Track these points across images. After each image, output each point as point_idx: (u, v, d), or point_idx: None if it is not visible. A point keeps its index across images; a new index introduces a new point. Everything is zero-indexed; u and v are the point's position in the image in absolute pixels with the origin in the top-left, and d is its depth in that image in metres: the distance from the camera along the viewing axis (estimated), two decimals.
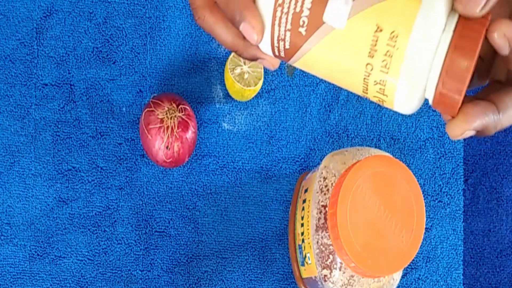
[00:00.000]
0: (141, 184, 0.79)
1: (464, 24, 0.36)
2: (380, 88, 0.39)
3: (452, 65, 0.37)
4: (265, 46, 0.42)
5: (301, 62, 0.42)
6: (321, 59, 0.40)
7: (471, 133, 0.39)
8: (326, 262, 0.63)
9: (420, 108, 0.83)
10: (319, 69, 0.41)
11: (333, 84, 0.82)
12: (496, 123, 0.39)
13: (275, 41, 0.41)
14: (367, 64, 0.38)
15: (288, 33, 0.40)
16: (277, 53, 0.42)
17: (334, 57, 0.39)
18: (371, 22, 0.37)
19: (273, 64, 0.43)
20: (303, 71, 0.82)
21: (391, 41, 0.37)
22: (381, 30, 0.37)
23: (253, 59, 0.43)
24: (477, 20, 0.36)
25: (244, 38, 0.41)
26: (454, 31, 0.37)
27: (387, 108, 0.82)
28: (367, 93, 0.40)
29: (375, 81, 0.39)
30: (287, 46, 0.40)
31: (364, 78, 0.39)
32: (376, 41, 0.38)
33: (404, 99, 0.39)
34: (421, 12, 0.37)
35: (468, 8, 0.36)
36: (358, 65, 0.39)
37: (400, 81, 0.38)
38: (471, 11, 0.36)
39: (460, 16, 0.37)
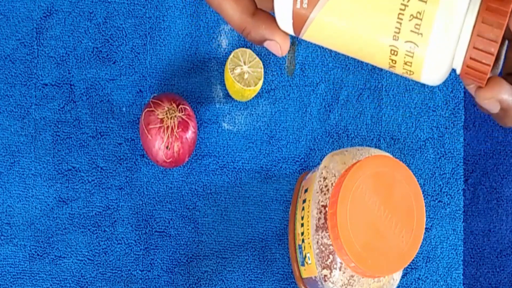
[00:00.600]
0: (141, 184, 0.79)
1: None
2: (416, 25, 0.37)
3: (482, 30, 0.36)
4: (285, 9, 0.39)
5: (322, 14, 0.38)
6: (349, 1, 0.37)
7: (495, 105, 0.38)
8: (326, 262, 0.63)
9: (420, 108, 0.83)
10: (342, 21, 0.38)
11: (333, 84, 0.82)
12: None
13: None
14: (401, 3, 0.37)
15: None
16: (298, 5, 0.38)
17: None
18: None
19: (282, 46, 0.40)
20: (303, 71, 0.82)
21: None
22: None
23: (262, 40, 0.40)
24: None
25: (253, 15, 0.39)
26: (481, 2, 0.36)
27: (387, 108, 0.82)
28: (398, 37, 0.37)
29: (410, 15, 0.37)
30: None
31: (399, 15, 0.37)
32: None
33: (437, 53, 0.37)
34: None
35: None
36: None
37: (434, 35, 0.36)
38: None
39: None
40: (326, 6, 0.38)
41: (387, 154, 0.65)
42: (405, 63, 0.38)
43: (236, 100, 0.81)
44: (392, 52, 0.38)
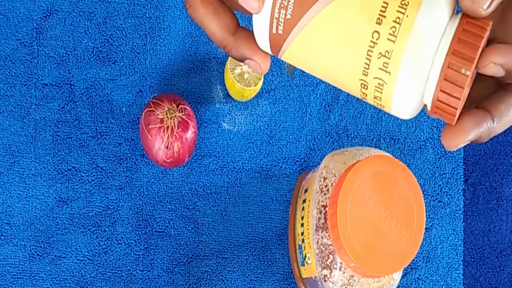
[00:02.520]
0: (141, 184, 0.79)
1: (464, 28, 0.36)
2: (384, 63, 0.37)
3: (450, 71, 0.36)
4: (262, 22, 0.39)
5: (297, 41, 0.39)
6: (321, 33, 0.38)
7: (464, 143, 0.39)
8: (326, 262, 0.63)
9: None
10: (315, 53, 0.39)
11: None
12: (490, 131, 0.39)
13: (276, 10, 0.38)
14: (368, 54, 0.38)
15: None
16: (274, 30, 0.39)
17: (338, 26, 0.38)
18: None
19: (261, 66, 0.41)
20: (303, 72, 0.82)
21: (391, 36, 0.37)
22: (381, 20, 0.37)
23: (242, 58, 0.41)
24: (477, 25, 0.36)
25: (234, 33, 0.40)
26: (454, 36, 0.36)
27: None
28: (367, 73, 0.38)
29: (379, 54, 0.37)
30: (288, 15, 0.38)
31: (368, 52, 0.37)
32: (377, 40, 0.37)
33: (404, 92, 0.38)
34: (423, 9, 0.36)
35: (476, 5, 0.35)
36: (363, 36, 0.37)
37: (401, 75, 0.37)
38: (478, 9, 0.35)
39: (460, 20, 0.36)
40: (299, 36, 0.39)
41: (387, 154, 0.65)
42: (375, 97, 0.39)
43: (236, 100, 0.81)
44: (363, 85, 0.38)
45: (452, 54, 0.36)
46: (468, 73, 0.36)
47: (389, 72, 0.37)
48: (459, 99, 0.36)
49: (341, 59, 0.38)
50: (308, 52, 0.40)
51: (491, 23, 0.36)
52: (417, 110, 0.40)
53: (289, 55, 0.41)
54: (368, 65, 0.37)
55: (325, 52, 0.39)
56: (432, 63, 0.37)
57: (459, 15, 0.37)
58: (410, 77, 0.37)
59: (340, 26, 0.37)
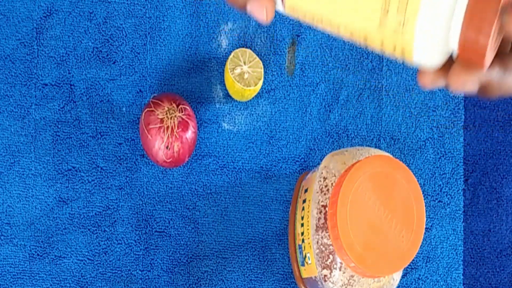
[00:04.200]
0: (141, 184, 0.79)
1: None
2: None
3: (476, 6, 0.33)
4: None
5: None
6: None
7: (441, 83, 0.35)
8: (326, 262, 0.63)
9: (420, 108, 0.83)
10: None
11: (333, 84, 0.82)
12: (501, 83, 0.36)
13: None
14: None
15: None
16: None
17: None
18: None
19: (268, 9, 0.36)
20: (303, 71, 0.82)
21: None
22: None
23: (245, 1, 0.37)
24: None
25: None
26: None
27: (387, 108, 0.82)
28: (387, 12, 0.34)
29: None
30: None
31: None
32: None
33: (431, 7, 0.33)
34: None
35: None
36: None
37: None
38: None
39: None
40: None
41: (387, 154, 0.65)
42: (398, 10, 0.34)
43: (236, 100, 0.81)
44: (384, 10, 0.34)
45: None
46: (494, 8, 0.32)
47: None
48: (488, 35, 0.33)
49: None
50: None
51: None
52: (441, 53, 0.35)
53: None
54: None
55: None
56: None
57: None
58: None
59: None
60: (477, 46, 0.34)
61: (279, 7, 0.37)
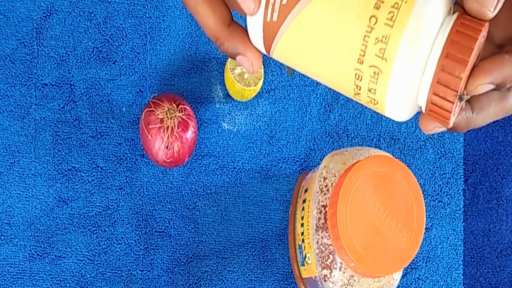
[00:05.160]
0: (141, 184, 0.79)
1: (458, 30, 0.35)
2: (380, 49, 0.36)
3: (443, 74, 0.35)
4: (257, 21, 0.38)
5: (292, 29, 0.38)
6: (318, 18, 0.37)
7: (441, 129, 0.39)
8: (326, 262, 0.63)
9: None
10: (310, 39, 0.38)
11: None
12: (469, 122, 0.39)
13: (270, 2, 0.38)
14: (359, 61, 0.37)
15: None
16: (269, 17, 0.38)
17: (330, 18, 0.36)
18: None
19: (254, 63, 0.39)
20: None
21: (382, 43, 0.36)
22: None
23: (234, 52, 0.39)
24: (472, 26, 0.35)
25: (228, 25, 0.39)
26: (447, 37, 0.35)
27: None
28: (362, 60, 0.37)
29: (376, 39, 0.36)
30: (284, 0, 0.37)
31: (365, 37, 0.36)
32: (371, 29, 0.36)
33: (400, 84, 0.36)
34: (416, 8, 0.35)
35: (483, 7, 0.34)
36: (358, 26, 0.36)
37: (397, 62, 0.35)
38: (485, 12, 0.34)
39: (455, 20, 0.35)
40: (294, 22, 0.38)
41: (387, 154, 0.65)
42: (369, 90, 0.37)
43: (236, 100, 0.81)
44: (357, 76, 0.37)
45: (446, 57, 0.35)
46: (462, 75, 0.35)
47: (385, 59, 0.36)
48: (452, 102, 0.36)
49: (337, 46, 0.37)
50: (301, 41, 0.38)
51: (487, 24, 0.36)
52: (411, 110, 0.38)
53: (281, 48, 0.39)
54: (364, 51, 0.36)
55: (320, 40, 0.37)
56: (430, 52, 0.36)
57: (455, 15, 0.36)
58: (407, 65, 0.35)
59: (337, 11, 0.36)
60: (442, 113, 0.37)
61: (262, 49, 0.41)
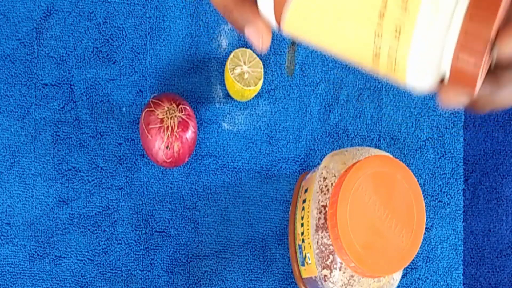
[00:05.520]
0: (141, 184, 0.79)
1: None
2: (402, 1, 0.32)
3: (472, 22, 0.32)
4: None
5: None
6: None
7: (461, 101, 0.35)
8: (326, 262, 0.63)
9: (420, 108, 0.83)
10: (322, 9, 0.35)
11: (333, 84, 0.82)
12: (491, 99, 0.36)
13: None
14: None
15: None
16: None
17: None
18: None
19: (264, 37, 0.37)
20: (303, 71, 0.82)
21: None
22: None
23: (243, 23, 0.37)
24: None
25: None
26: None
27: (387, 108, 0.82)
28: (383, 14, 0.33)
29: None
30: None
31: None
32: None
33: (424, 36, 0.33)
34: None
35: None
36: None
37: (423, 9, 0.32)
38: None
39: None
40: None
41: (387, 154, 0.65)
42: (390, 49, 0.34)
43: (236, 100, 0.81)
44: (377, 34, 0.34)
45: (474, 6, 0.32)
46: (492, 24, 0.32)
47: (408, 11, 0.33)
48: (482, 54, 0.32)
49: (355, 1, 0.34)
50: (315, 2, 0.35)
51: None
52: (434, 75, 0.35)
53: (293, 14, 0.36)
54: (386, 3, 0.33)
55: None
56: (455, 5, 0.33)
57: None
58: (430, 17, 0.32)
59: None
60: (468, 75, 0.34)
61: (272, 20, 0.38)
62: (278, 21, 0.37)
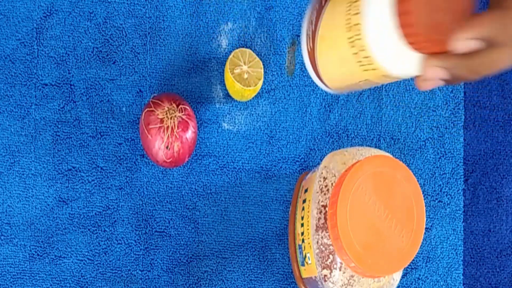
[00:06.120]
0: (141, 184, 0.79)
1: None
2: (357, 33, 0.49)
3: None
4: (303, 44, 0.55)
5: (319, 41, 0.54)
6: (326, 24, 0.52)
7: (441, 77, 0.46)
8: (326, 262, 0.63)
9: (420, 108, 0.83)
10: (328, 56, 0.54)
11: None
12: (460, 70, 0.45)
13: (307, 26, 0.55)
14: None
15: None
16: (309, 47, 0.54)
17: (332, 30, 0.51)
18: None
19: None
20: (303, 71, 0.82)
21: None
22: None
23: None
24: None
25: None
26: None
27: (387, 108, 0.82)
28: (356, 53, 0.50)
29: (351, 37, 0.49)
30: (312, 27, 0.53)
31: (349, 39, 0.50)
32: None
33: (376, 36, 0.48)
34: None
35: None
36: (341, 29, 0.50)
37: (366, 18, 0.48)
38: None
39: None
40: (319, 37, 0.53)
41: (387, 154, 0.65)
42: (361, 49, 0.50)
43: (236, 100, 0.81)
44: (351, 42, 0.50)
45: None
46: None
47: (360, 13, 0.48)
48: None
49: (335, 26, 0.51)
50: (327, 69, 0.54)
51: None
52: (399, 56, 0.48)
53: (324, 77, 0.55)
54: (349, 21, 0.49)
55: (329, 47, 0.52)
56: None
57: None
58: (373, 8, 0.47)
59: (333, 10, 0.51)
60: (411, 21, 0.46)
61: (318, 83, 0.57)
62: (318, 76, 0.56)
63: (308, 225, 0.67)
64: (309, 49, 0.57)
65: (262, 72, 0.77)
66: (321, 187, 0.65)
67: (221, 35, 0.81)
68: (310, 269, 0.68)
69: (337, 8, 0.54)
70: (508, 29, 0.43)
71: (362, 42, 0.49)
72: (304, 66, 0.82)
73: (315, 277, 0.67)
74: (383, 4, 0.48)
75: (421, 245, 0.81)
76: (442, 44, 0.46)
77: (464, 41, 0.44)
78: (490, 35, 0.43)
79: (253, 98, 0.81)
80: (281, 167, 0.81)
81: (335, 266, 0.63)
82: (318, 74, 0.57)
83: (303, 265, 0.71)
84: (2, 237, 0.78)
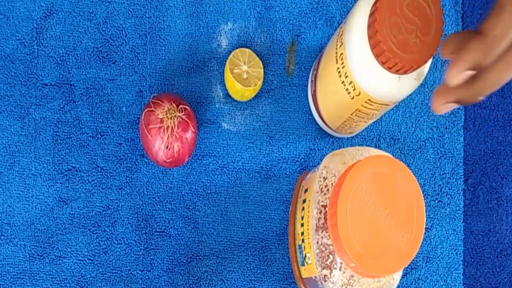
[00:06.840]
0: (141, 184, 0.79)
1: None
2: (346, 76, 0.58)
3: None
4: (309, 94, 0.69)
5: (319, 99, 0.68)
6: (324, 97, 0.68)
7: (453, 101, 0.51)
8: (326, 262, 0.63)
9: (420, 108, 0.83)
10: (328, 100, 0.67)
11: None
12: (475, 88, 0.50)
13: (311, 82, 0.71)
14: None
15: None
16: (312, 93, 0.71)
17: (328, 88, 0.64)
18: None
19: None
20: (302, 71, 0.82)
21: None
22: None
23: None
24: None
25: None
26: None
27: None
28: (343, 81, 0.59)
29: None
30: (313, 87, 0.71)
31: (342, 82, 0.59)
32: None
33: (354, 41, 0.56)
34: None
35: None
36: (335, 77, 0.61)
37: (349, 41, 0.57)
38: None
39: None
40: (318, 92, 0.65)
41: (387, 154, 0.65)
42: (345, 75, 0.58)
43: (236, 100, 0.81)
44: (339, 74, 0.59)
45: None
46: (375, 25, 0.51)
47: (343, 43, 0.57)
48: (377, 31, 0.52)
49: (328, 62, 0.59)
50: (331, 117, 0.69)
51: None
52: (375, 72, 0.56)
53: (320, 103, 0.68)
54: (336, 51, 0.57)
55: (326, 88, 0.65)
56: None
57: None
58: (354, 40, 0.55)
59: (328, 50, 0.60)
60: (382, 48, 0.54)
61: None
62: (323, 120, 0.69)
63: (308, 225, 0.67)
64: (312, 92, 0.64)
65: (262, 72, 0.77)
66: (321, 187, 0.65)
67: (221, 35, 0.81)
68: (310, 269, 0.68)
69: (330, 45, 0.58)
70: (490, 52, 0.47)
71: (346, 69, 0.54)
72: (304, 66, 0.82)
73: (315, 277, 0.67)
74: (360, 32, 0.53)
75: (421, 245, 0.81)
76: (412, 61, 0.51)
77: (457, 75, 0.48)
78: (479, 62, 0.47)
79: (253, 98, 0.81)
80: (281, 167, 0.81)
81: (335, 266, 0.63)
82: (321, 115, 0.65)
83: (303, 265, 0.71)
84: (2, 237, 0.78)
